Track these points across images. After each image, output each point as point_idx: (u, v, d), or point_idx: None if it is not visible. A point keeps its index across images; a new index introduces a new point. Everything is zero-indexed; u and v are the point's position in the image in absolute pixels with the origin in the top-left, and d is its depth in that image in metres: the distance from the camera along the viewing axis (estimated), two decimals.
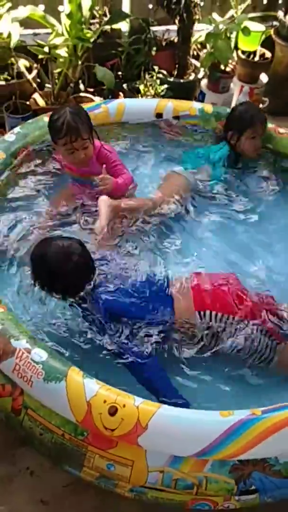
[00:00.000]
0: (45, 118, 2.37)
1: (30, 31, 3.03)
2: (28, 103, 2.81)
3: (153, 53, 3.11)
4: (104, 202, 2.01)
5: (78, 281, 1.68)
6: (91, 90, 3.05)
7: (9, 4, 2.65)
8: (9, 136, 2.25)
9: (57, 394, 1.42)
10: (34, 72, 2.88)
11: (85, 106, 2.52)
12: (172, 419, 1.37)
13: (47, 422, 1.49)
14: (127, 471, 1.42)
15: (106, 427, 1.38)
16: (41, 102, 2.83)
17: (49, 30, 2.78)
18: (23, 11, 2.63)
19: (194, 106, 2.60)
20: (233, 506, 1.43)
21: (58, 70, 2.85)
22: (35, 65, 2.92)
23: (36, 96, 2.83)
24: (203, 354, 1.72)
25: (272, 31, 3.20)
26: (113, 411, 1.38)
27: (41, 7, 2.81)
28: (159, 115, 2.55)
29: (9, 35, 2.58)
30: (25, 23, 2.79)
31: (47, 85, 2.98)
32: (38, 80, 2.97)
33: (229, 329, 1.71)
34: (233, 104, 3.23)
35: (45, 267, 1.64)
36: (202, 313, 1.72)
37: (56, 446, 1.50)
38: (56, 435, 1.49)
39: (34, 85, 2.82)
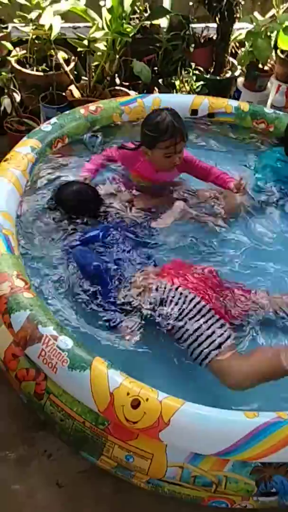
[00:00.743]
0: (82, 110, 2.41)
1: (70, 24, 3.07)
2: (64, 94, 2.83)
3: (191, 49, 3.10)
4: (180, 206, 2.07)
5: (81, 212, 2.01)
6: (127, 84, 3.07)
7: None
8: (46, 126, 2.27)
9: (80, 382, 1.43)
10: (72, 64, 2.90)
11: (121, 100, 2.55)
12: (195, 417, 1.36)
13: (68, 409, 1.50)
14: (146, 464, 1.43)
15: (128, 419, 1.38)
16: (77, 94, 2.85)
17: (88, 24, 2.80)
18: (65, 5, 2.66)
19: (230, 103, 2.59)
20: (251, 506, 1.42)
21: (96, 63, 2.87)
22: (73, 57, 2.94)
23: (72, 87, 2.85)
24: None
25: None
26: (136, 404, 1.37)
27: (82, 1, 2.83)
28: (194, 112, 2.54)
29: (50, 28, 2.61)
30: (65, 16, 2.81)
31: (83, 77, 3.00)
32: (75, 72, 2.99)
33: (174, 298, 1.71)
34: (269, 103, 3.20)
35: (60, 198, 2.04)
36: (161, 282, 1.75)
37: (76, 433, 1.51)
38: (76, 422, 1.50)
39: (71, 77, 2.84)
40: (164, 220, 2.08)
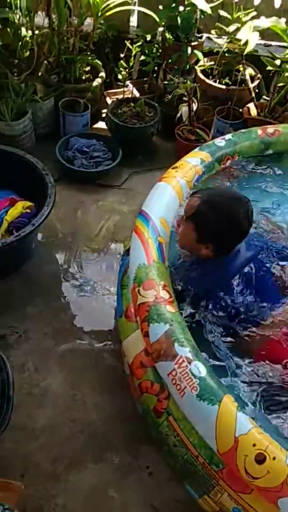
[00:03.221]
0: (259, 131, 2.32)
1: (262, 41, 2.99)
2: (241, 110, 2.78)
3: None
4: None
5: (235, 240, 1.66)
6: None
7: (254, 13, 2.63)
8: (220, 141, 2.23)
9: (206, 416, 1.35)
10: (256, 82, 2.83)
11: None
12: None
13: (185, 437, 1.44)
14: None
15: (248, 472, 1.26)
16: (254, 112, 2.76)
17: (282, 44, 2.71)
18: (266, 22, 2.58)
19: None
20: None
21: (281, 84, 2.76)
22: (258, 75, 2.87)
23: (251, 105, 2.77)
24: None
25: None
26: (261, 459, 1.25)
27: (283, 20, 2.73)
28: None
29: (246, 43, 2.56)
30: (261, 33, 2.73)
31: (264, 97, 2.90)
32: (257, 90, 2.91)
33: None
34: None
35: (225, 216, 1.59)
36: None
37: (185, 464, 1.45)
38: (189, 454, 1.43)
39: (253, 94, 2.77)
40: None
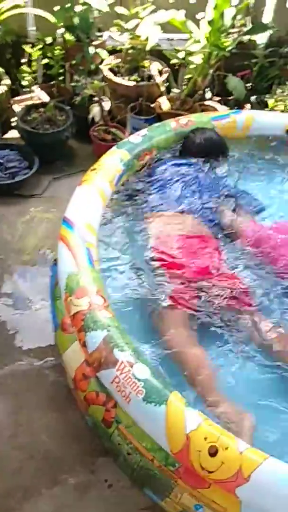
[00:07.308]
0: (172, 123, 2.33)
1: (164, 35, 3.00)
2: (152, 105, 2.77)
3: None
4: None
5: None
6: (217, 99, 2.96)
7: (152, 7, 2.63)
8: (136, 138, 2.21)
9: (154, 418, 1.32)
10: (164, 76, 2.84)
11: (213, 114, 2.45)
12: (281, 477, 1.21)
13: (137, 443, 1.40)
14: None
15: (203, 467, 1.25)
16: (166, 106, 2.77)
17: (182, 36, 2.73)
18: (165, 15, 2.59)
19: None
20: None
21: (188, 76, 2.79)
22: (165, 69, 2.88)
23: (162, 99, 2.78)
24: None
25: None
26: (213, 452, 1.24)
27: (181, 12, 2.76)
28: None
29: (147, 38, 2.56)
30: (161, 27, 2.75)
31: (173, 90, 2.92)
32: (166, 84, 2.93)
33: None
34: None
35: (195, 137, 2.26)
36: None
37: (142, 470, 1.42)
38: (144, 459, 1.40)
39: (162, 89, 2.77)
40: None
